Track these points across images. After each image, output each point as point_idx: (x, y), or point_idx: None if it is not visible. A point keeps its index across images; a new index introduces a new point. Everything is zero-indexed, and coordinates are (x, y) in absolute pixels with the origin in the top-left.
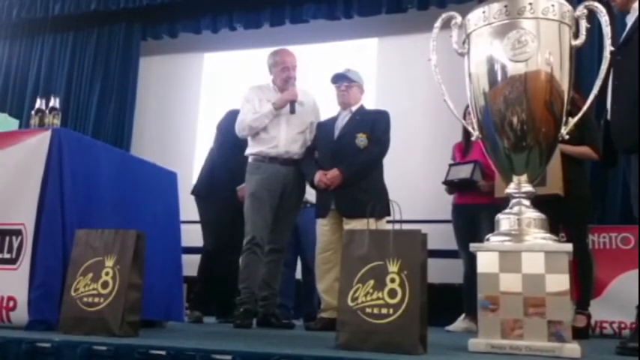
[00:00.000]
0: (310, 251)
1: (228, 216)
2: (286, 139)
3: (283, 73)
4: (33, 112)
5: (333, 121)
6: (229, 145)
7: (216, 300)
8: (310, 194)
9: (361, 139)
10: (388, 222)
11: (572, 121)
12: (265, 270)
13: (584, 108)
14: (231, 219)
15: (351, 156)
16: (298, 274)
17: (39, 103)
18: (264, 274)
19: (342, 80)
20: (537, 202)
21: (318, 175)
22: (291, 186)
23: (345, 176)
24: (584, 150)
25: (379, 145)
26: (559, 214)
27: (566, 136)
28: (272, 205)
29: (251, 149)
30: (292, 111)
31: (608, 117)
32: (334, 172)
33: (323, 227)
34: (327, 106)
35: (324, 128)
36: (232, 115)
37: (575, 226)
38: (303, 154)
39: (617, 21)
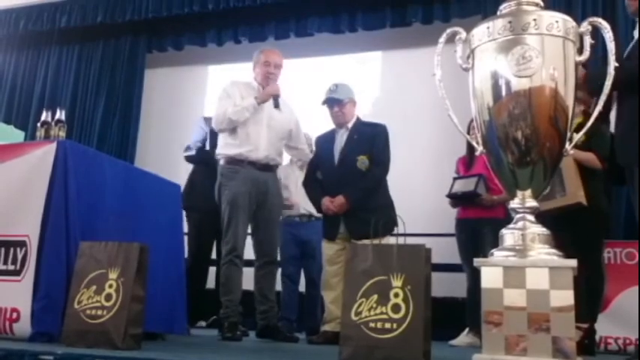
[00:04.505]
0: (316, 265)
1: (206, 228)
2: (267, 143)
3: (265, 67)
4: (39, 125)
5: (331, 138)
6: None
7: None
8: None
9: (362, 162)
10: (392, 235)
11: (577, 136)
12: (262, 283)
13: (588, 124)
14: (210, 232)
15: (354, 180)
16: (301, 287)
17: (45, 116)
18: (261, 288)
19: (334, 103)
20: (555, 216)
21: (326, 203)
22: (271, 193)
23: (351, 202)
24: (588, 156)
25: (380, 166)
26: (574, 227)
27: (571, 152)
28: (251, 212)
29: (227, 150)
30: (276, 105)
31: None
32: (340, 200)
33: (331, 246)
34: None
35: (323, 146)
36: None
37: (589, 239)
38: (305, 175)
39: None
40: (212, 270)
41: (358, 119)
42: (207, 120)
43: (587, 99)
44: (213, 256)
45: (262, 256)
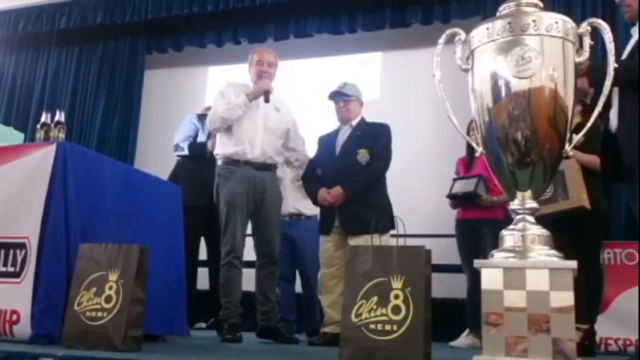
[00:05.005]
0: (310, 264)
1: (192, 226)
2: (262, 142)
3: (258, 67)
4: (38, 126)
5: (334, 136)
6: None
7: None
8: (306, 207)
9: (363, 155)
10: (392, 236)
11: (577, 137)
12: (263, 284)
13: (588, 125)
14: (197, 230)
15: (353, 173)
16: (297, 287)
17: (44, 117)
18: (262, 289)
19: (340, 97)
20: (555, 217)
21: (322, 194)
22: (269, 192)
23: (349, 194)
24: (592, 158)
25: (381, 161)
26: (574, 229)
27: (571, 153)
28: (249, 212)
29: (223, 150)
30: (266, 100)
31: (613, 130)
32: (337, 190)
33: (327, 243)
34: (331, 119)
35: (325, 143)
36: None
37: (589, 240)
38: (304, 170)
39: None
40: (204, 271)
41: (363, 119)
42: (200, 117)
43: (587, 89)
44: (203, 256)
45: (262, 256)
